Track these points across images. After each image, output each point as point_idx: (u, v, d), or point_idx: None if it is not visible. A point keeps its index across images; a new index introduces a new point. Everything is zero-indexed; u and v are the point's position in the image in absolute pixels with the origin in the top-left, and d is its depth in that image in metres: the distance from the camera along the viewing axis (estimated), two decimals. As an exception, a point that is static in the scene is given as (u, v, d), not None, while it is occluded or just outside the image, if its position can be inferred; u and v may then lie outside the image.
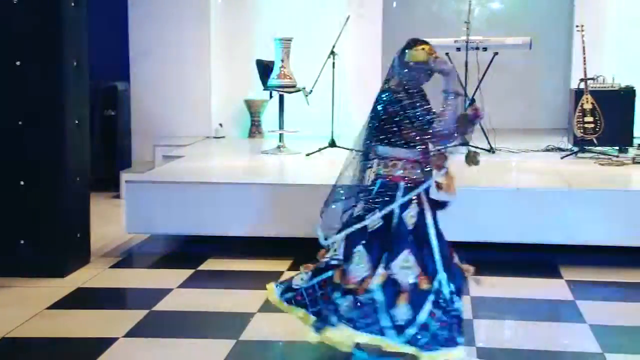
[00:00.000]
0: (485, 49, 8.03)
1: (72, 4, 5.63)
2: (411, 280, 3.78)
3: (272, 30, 8.69)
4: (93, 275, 5.71)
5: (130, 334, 4.55)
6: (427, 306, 3.74)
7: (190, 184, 6.32)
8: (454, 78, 3.97)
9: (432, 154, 3.95)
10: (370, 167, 4.10)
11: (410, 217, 3.87)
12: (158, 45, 9.29)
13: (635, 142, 7.99)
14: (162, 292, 5.29)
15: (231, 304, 5.11)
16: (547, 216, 5.82)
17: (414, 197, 3.88)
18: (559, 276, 5.59)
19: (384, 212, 3.89)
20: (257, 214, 6.11)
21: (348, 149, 7.75)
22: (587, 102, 7.65)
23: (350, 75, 8.53)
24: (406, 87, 3.95)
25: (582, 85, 7.76)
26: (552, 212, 5.83)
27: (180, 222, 6.18)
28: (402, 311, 3.75)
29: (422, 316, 3.73)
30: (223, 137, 9.41)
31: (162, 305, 5.07)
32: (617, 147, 7.82)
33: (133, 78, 9.30)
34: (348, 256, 3.95)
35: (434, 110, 3.89)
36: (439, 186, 3.89)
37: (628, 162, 7.21)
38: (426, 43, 4.02)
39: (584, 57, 7.75)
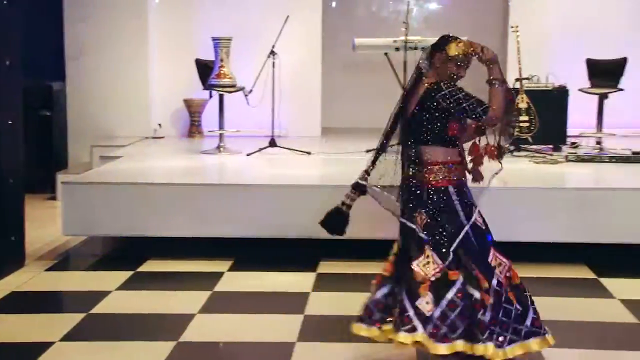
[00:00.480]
0: (423, 49, 8.06)
1: (5, 2, 5.51)
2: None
3: (212, 29, 8.63)
4: (28, 278, 5.60)
5: (67, 337, 4.47)
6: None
7: (128, 185, 6.24)
8: (499, 66, 3.98)
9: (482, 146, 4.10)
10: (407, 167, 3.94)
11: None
12: (94, 45, 9.17)
13: (569, 140, 8.16)
14: (100, 295, 5.21)
15: (171, 305, 5.07)
16: (485, 214, 5.89)
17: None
18: (496, 273, 5.67)
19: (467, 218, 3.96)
20: (197, 214, 6.06)
21: (288, 149, 7.85)
22: (522, 102, 7.79)
23: (290, 75, 8.52)
24: (454, 80, 3.95)
25: (518, 85, 7.90)
26: (489, 209, 5.90)
27: (119, 223, 6.10)
28: None
29: None
30: (162, 137, 9.32)
31: (100, 308, 5.00)
32: (551, 146, 7.98)
33: (69, 78, 9.16)
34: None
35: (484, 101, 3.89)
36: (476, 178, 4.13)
37: (562, 160, 7.36)
38: (459, 38, 4.05)
39: (519, 57, 7.89)
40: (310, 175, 7.03)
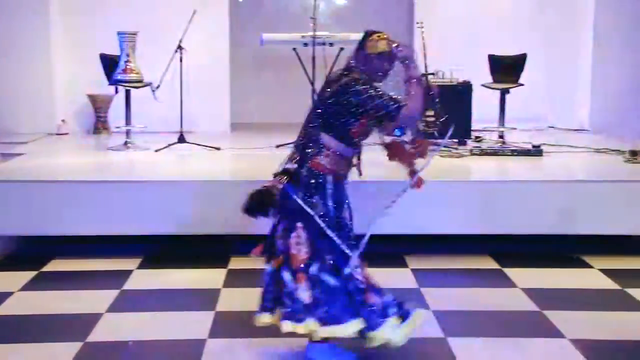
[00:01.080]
0: (331, 44, 8.20)
1: None
2: None
3: (117, 24, 8.49)
4: None
5: (-32, 341, 4.34)
6: None
7: (31, 183, 6.09)
8: (416, 63, 3.94)
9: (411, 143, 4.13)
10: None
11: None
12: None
13: (473, 134, 8.37)
14: (2, 296, 5.07)
15: (78, 305, 4.97)
16: (393, 207, 5.98)
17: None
18: (405, 265, 5.79)
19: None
20: (104, 212, 5.96)
21: (197, 145, 7.79)
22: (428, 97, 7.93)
23: (198, 70, 8.46)
24: (372, 79, 3.91)
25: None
26: (397, 203, 6.00)
27: (22, 222, 5.95)
28: None
29: None
30: (66, 133, 9.13)
31: (2, 310, 4.87)
32: (456, 140, 8.17)
33: (-33, 72, 8.87)
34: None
35: (399, 98, 3.87)
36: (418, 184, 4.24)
37: (466, 154, 7.55)
38: (382, 33, 3.97)
39: (424, 53, 8.04)
40: (220, 170, 7.01)
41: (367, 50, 3.93)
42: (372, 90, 3.84)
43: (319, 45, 8.09)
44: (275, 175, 4.00)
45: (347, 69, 3.96)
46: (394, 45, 3.93)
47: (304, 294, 3.88)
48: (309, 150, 3.96)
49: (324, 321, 3.87)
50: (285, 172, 3.98)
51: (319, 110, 3.95)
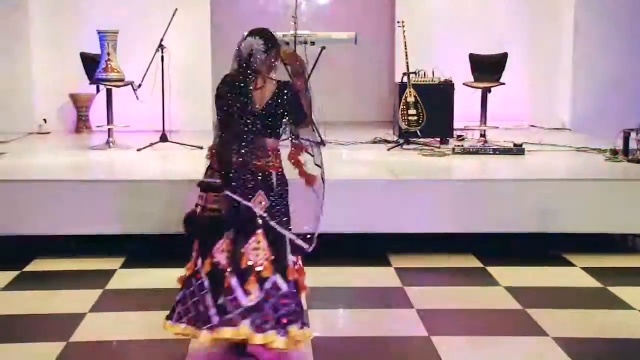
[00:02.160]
0: (313, 43, 8.18)
1: None
2: None
3: (98, 22, 8.44)
4: None
5: (-51, 342, 4.30)
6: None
7: (12, 182, 6.04)
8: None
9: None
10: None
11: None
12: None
13: (455, 133, 8.40)
14: (-16, 297, 5.04)
15: (60, 305, 4.94)
16: (376, 206, 6.02)
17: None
18: (388, 264, 5.80)
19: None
20: (87, 211, 5.92)
21: (180, 144, 7.76)
22: (410, 96, 7.96)
23: (180, 68, 8.43)
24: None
25: (405, 79, 8.06)
26: (380, 202, 6.03)
27: (3, 221, 5.89)
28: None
29: None
30: (48, 132, 9.07)
31: (-16, 311, 4.84)
32: (438, 139, 8.20)
33: (-55, 71, 8.79)
34: None
35: None
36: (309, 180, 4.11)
37: (449, 152, 7.57)
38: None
39: (406, 52, 8.06)
40: (202, 170, 6.96)
41: (282, 56, 4.11)
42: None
43: (301, 44, 8.08)
44: (211, 188, 4.09)
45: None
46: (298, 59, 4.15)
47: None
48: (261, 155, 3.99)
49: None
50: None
51: (257, 118, 3.99)
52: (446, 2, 9.84)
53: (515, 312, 4.84)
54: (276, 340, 3.86)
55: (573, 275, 5.64)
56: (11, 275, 5.50)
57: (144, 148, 7.69)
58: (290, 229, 4.05)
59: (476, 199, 6.06)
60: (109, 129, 8.01)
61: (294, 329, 3.90)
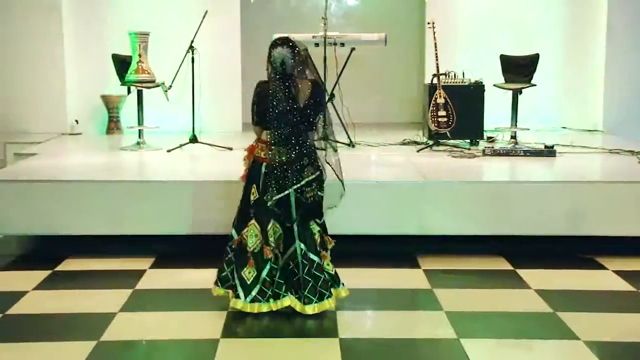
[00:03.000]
0: (342, 44, 8.18)
1: None
2: None
3: (131, 24, 8.52)
4: (-60, 280, 5.43)
5: (-17, 340, 4.36)
6: None
7: (45, 183, 6.10)
8: None
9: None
10: None
11: None
12: (6, 39, 8.94)
13: (485, 135, 8.36)
14: (17, 295, 5.09)
15: (91, 304, 4.98)
16: (405, 208, 6.00)
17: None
18: (417, 266, 5.78)
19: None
20: (117, 211, 5.98)
21: (209, 145, 7.80)
22: (440, 97, 7.93)
23: (210, 70, 8.47)
24: None
25: (435, 81, 8.04)
26: (409, 204, 6.02)
27: (36, 221, 5.97)
28: None
29: None
30: (80, 133, 9.16)
31: (16, 309, 4.89)
32: (468, 140, 8.16)
33: (-20, 73, 8.91)
34: None
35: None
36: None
37: (479, 154, 7.53)
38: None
39: (436, 53, 8.03)
40: (231, 170, 6.99)
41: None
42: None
43: (330, 46, 8.09)
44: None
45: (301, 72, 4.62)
46: None
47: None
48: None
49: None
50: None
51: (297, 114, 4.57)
52: (477, 3, 9.78)
53: (546, 315, 4.79)
54: None
55: (605, 278, 5.58)
56: (43, 274, 5.56)
57: (174, 149, 7.73)
58: None
59: (506, 201, 6.02)
60: (139, 130, 8.07)
61: None
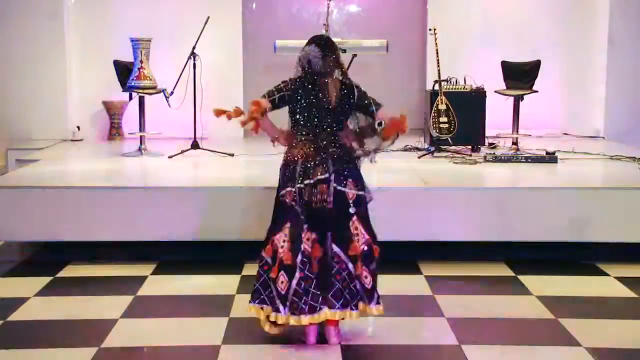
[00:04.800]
0: (344, 51, 8.18)
1: None
2: None
3: (132, 30, 8.53)
4: (-58, 286, 5.43)
5: (-16, 346, 4.36)
6: None
7: (46, 189, 6.10)
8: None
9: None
10: None
11: None
12: (7, 45, 8.96)
13: (487, 141, 8.36)
14: (18, 302, 5.09)
15: (93, 311, 4.98)
16: (406, 214, 6.00)
17: None
18: (419, 272, 5.77)
19: None
20: (119, 218, 5.98)
21: (211, 151, 7.80)
22: (442, 103, 7.94)
23: (211, 76, 8.48)
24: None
25: (437, 87, 8.04)
26: (411, 210, 6.01)
27: (37, 228, 5.97)
28: None
29: None
30: (81, 139, 9.17)
31: (17, 315, 4.88)
32: (470, 146, 8.16)
33: (-18, 79, 8.93)
34: None
35: None
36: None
37: (480, 160, 7.52)
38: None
39: (437, 59, 8.04)
40: (233, 177, 7.01)
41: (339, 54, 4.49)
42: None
43: (332, 52, 8.08)
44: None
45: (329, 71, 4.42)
46: None
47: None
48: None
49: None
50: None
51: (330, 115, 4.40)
52: (478, 10, 9.79)
53: (548, 322, 4.79)
54: None
55: (606, 284, 5.57)
56: (44, 281, 5.56)
57: (175, 155, 7.74)
58: None
59: (508, 208, 6.02)
60: (141, 136, 8.07)
61: None
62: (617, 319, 4.87)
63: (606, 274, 5.76)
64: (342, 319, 4.34)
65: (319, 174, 4.27)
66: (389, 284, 5.54)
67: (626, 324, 4.79)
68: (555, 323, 4.75)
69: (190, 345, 4.44)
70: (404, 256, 6.04)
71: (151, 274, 5.71)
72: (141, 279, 5.58)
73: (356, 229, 4.37)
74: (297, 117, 4.39)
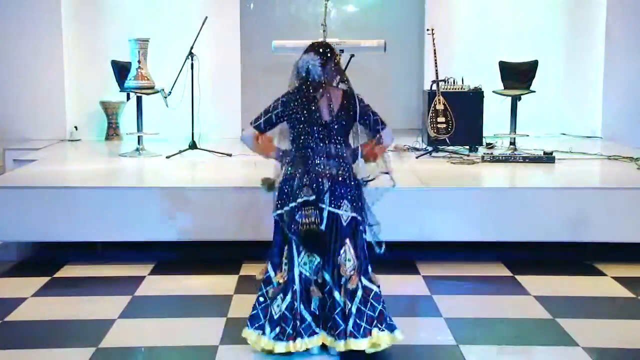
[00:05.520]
0: (342, 51, 8.17)
1: None
2: None
3: (130, 30, 8.53)
4: (-61, 286, 5.43)
5: (-18, 346, 4.35)
6: None
7: (44, 189, 6.10)
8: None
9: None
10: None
11: None
12: (4, 45, 8.95)
13: (485, 141, 8.36)
14: (15, 302, 5.09)
15: (90, 311, 4.98)
16: (404, 214, 6.00)
17: None
18: (417, 272, 5.78)
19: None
20: (117, 218, 5.98)
21: (209, 151, 7.80)
22: (439, 103, 7.94)
23: (209, 76, 8.48)
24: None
25: (434, 87, 8.04)
26: (409, 210, 6.01)
27: (35, 228, 5.96)
28: None
29: None
30: (79, 140, 9.16)
31: (15, 316, 4.88)
32: (467, 147, 8.16)
33: (-21, 79, 8.92)
34: None
35: None
36: None
37: (478, 160, 7.53)
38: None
39: (435, 60, 8.04)
40: (231, 177, 7.01)
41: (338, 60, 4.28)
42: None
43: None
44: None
45: (329, 80, 4.18)
46: None
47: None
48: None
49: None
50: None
51: (329, 127, 4.14)
52: (476, 10, 9.79)
53: (545, 322, 4.79)
54: None
55: (604, 284, 5.57)
56: (42, 281, 5.56)
57: (173, 155, 7.74)
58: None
59: (505, 208, 6.02)
60: (138, 137, 8.07)
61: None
62: (615, 319, 4.87)
63: (604, 274, 5.76)
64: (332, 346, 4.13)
65: (304, 194, 4.01)
66: (387, 284, 5.54)
67: (624, 324, 4.80)
68: (552, 323, 4.76)
69: (188, 345, 4.44)
70: (401, 256, 6.04)
71: (149, 274, 5.71)
72: (139, 279, 5.57)
73: (345, 253, 4.10)
74: (293, 132, 4.13)
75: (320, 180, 4.05)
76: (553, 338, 4.53)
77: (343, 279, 4.08)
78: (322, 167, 4.06)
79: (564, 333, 4.57)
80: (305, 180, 4.04)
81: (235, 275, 5.65)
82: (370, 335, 4.09)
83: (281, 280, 4.11)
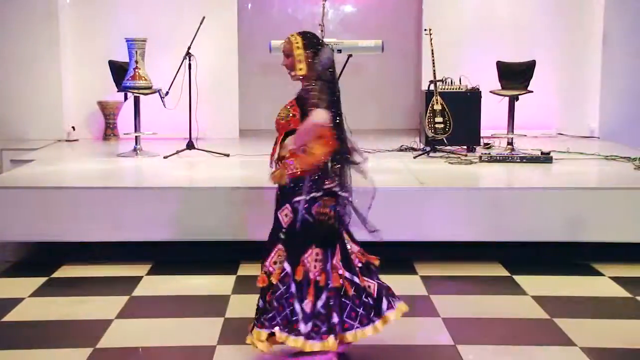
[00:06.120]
0: (339, 51, 8.19)
1: None
2: None
3: (126, 30, 8.53)
4: (-64, 286, 5.43)
5: (-21, 347, 4.35)
6: None
7: (41, 189, 6.10)
8: None
9: None
10: None
11: None
12: (3, 46, 8.95)
13: (482, 141, 8.36)
14: (13, 302, 5.09)
15: (87, 311, 4.98)
16: (402, 214, 6.00)
17: None
18: (414, 272, 5.78)
19: None
20: (114, 218, 5.97)
21: (206, 151, 7.80)
22: (437, 103, 7.94)
23: (207, 76, 8.48)
24: None
25: (432, 87, 8.04)
26: (406, 210, 6.02)
27: (31, 228, 5.96)
28: None
29: None
30: (76, 140, 9.15)
31: (12, 316, 4.88)
32: (465, 147, 8.16)
33: (-23, 79, 8.91)
34: None
35: None
36: None
37: (475, 160, 7.53)
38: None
39: (433, 60, 8.04)
40: (229, 177, 7.01)
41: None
42: None
43: (328, 52, 8.08)
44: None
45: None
46: None
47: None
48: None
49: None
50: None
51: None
52: (474, 10, 9.80)
53: (543, 322, 4.79)
54: None
55: (601, 284, 5.58)
56: (39, 281, 5.55)
57: (170, 155, 7.73)
58: None
59: (503, 208, 6.02)
60: (136, 137, 8.07)
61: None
62: (612, 319, 4.88)
63: (601, 274, 5.77)
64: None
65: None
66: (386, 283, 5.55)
67: (621, 324, 4.80)
68: (549, 322, 4.76)
69: (185, 345, 4.44)
70: (399, 256, 6.05)
71: (146, 274, 5.71)
72: (136, 279, 5.57)
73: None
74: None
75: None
76: (550, 338, 4.54)
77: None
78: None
79: (562, 333, 4.58)
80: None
81: (233, 275, 5.65)
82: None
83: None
